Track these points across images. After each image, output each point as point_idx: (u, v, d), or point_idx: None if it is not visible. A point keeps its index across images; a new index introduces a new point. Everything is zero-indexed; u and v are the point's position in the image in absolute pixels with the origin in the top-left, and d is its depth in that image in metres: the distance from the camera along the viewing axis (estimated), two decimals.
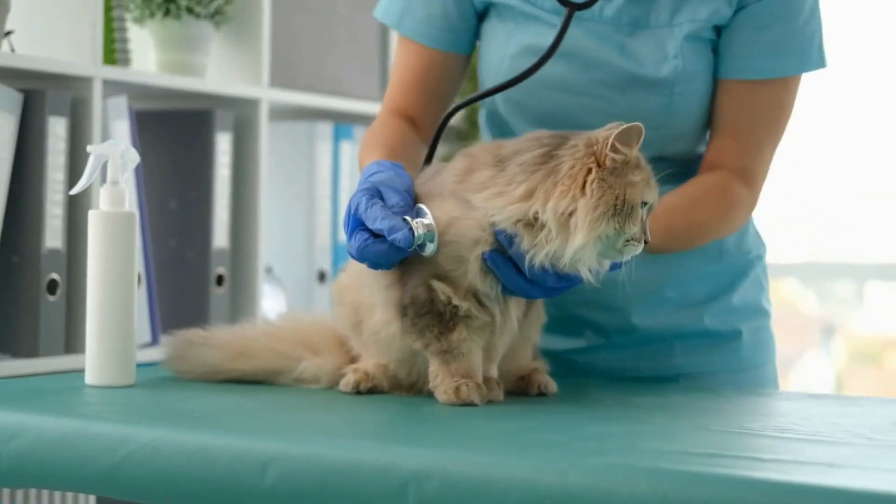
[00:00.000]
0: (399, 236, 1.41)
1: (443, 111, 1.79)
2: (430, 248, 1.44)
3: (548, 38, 1.67)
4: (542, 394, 1.58)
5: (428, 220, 1.44)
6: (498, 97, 1.74)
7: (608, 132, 1.41)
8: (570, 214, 1.40)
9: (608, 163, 1.40)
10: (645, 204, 1.43)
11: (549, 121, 1.66)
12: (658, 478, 1.09)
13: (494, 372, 1.53)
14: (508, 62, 1.72)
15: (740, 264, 1.80)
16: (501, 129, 1.77)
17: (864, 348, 4.48)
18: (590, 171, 1.40)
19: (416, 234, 1.43)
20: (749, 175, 1.72)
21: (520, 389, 1.59)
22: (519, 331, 1.54)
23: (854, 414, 1.49)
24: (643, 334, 1.77)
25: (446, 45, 1.77)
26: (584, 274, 1.43)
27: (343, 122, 2.99)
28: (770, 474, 1.11)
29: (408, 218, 1.43)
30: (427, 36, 1.77)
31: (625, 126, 1.40)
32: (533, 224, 1.41)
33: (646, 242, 1.44)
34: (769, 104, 1.71)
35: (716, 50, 1.71)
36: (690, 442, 1.28)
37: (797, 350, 4.35)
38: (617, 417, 1.45)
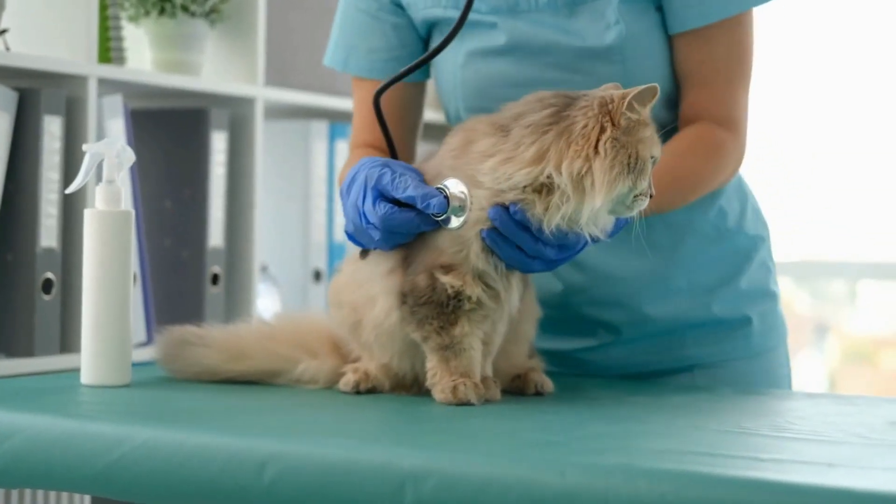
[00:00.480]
0: (434, 202, 1.43)
1: (410, 139, 1.81)
2: (456, 222, 1.44)
3: (492, 39, 1.70)
4: (538, 393, 1.58)
5: (461, 192, 1.44)
6: (460, 107, 1.75)
7: (624, 92, 1.42)
8: (584, 175, 1.40)
9: (623, 122, 1.41)
10: (652, 158, 1.44)
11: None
12: (657, 478, 1.09)
13: (490, 370, 1.53)
14: (461, 72, 1.74)
15: (744, 245, 1.80)
16: None
17: (858, 348, 4.49)
18: (603, 130, 1.41)
19: (451, 203, 1.43)
20: (729, 121, 1.71)
21: (516, 389, 1.59)
22: (514, 321, 1.53)
23: (850, 413, 1.49)
24: (654, 327, 1.76)
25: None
26: (594, 232, 1.44)
27: (338, 121, 2.98)
28: (769, 474, 1.11)
29: (442, 186, 1.44)
30: (373, 70, 1.79)
31: (642, 87, 1.41)
32: (541, 190, 1.42)
33: (651, 196, 1.45)
34: (727, 46, 1.70)
35: (660, 8, 1.70)
36: (688, 441, 1.28)
37: (790, 349, 4.34)
38: (614, 417, 1.45)
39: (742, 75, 1.72)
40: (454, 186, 1.44)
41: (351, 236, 1.51)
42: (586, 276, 1.74)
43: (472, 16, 1.70)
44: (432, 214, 1.44)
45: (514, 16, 1.70)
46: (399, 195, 1.45)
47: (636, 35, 1.68)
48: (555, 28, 1.69)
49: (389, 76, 1.64)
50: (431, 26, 1.77)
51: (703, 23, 1.68)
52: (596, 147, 1.40)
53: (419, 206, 1.43)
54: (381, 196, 1.46)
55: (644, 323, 1.76)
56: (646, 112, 1.43)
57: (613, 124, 1.41)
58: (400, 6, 1.78)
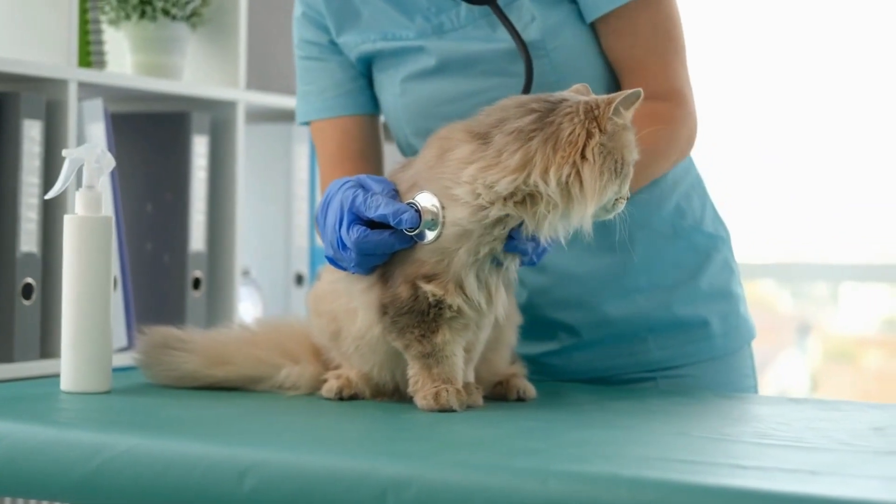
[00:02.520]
0: (406, 217, 1.42)
1: (376, 173, 1.81)
2: (430, 236, 1.44)
3: (423, 62, 1.73)
4: (520, 399, 1.57)
5: (433, 206, 1.43)
6: (407, 132, 1.77)
7: (609, 97, 1.42)
8: (572, 181, 1.40)
9: (609, 127, 1.41)
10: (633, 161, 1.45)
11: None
12: (640, 487, 1.09)
13: (472, 376, 1.53)
14: (400, 100, 1.76)
15: (702, 244, 1.80)
16: None
17: (840, 347, 4.50)
18: (590, 136, 1.40)
19: (423, 217, 1.43)
20: (671, 94, 1.71)
21: (498, 395, 1.58)
22: (495, 331, 1.53)
23: (834, 419, 1.49)
24: (615, 328, 1.76)
25: (347, 109, 1.81)
26: (566, 237, 1.45)
27: None
28: (752, 482, 1.11)
29: (414, 201, 1.44)
30: (327, 108, 1.82)
31: (627, 91, 1.41)
32: (523, 200, 1.41)
33: (626, 199, 1.46)
34: (652, 23, 1.70)
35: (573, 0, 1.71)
36: (671, 448, 1.28)
37: (773, 349, 4.36)
38: (597, 423, 1.44)
39: (674, 49, 1.72)
40: (426, 200, 1.44)
41: (331, 260, 1.51)
42: (547, 277, 1.74)
43: (400, 43, 1.74)
44: (406, 230, 1.43)
45: (441, 36, 1.73)
46: (372, 215, 1.44)
47: (554, 27, 1.69)
48: (479, 40, 1.71)
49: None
50: (368, 62, 1.80)
51: (614, 5, 1.68)
52: (583, 153, 1.40)
53: (392, 222, 1.43)
54: (357, 218, 1.46)
55: (604, 324, 1.76)
56: (629, 116, 1.43)
57: (601, 130, 1.41)
58: (338, 45, 1.81)
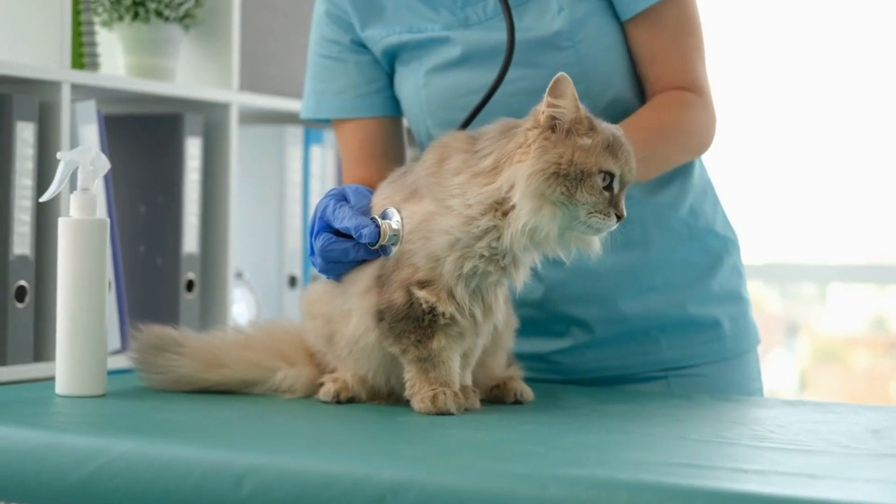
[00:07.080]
0: (365, 232, 1.46)
1: None
2: (393, 251, 1.47)
3: (448, 53, 1.74)
4: (518, 402, 1.57)
5: (396, 223, 1.46)
6: (429, 124, 1.78)
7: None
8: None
9: (543, 120, 1.42)
10: (610, 176, 1.43)
11: (482, 124, 1.69)
12: (638, 490, 1.08)
13: (469, 379, 1.53)
14: (424, 91, 1.77)
15: (714, 246, 1.82)
16: None
17: (828, 347, 4.51)
18: (533, 128, 1.43)
19: (381, 233, 1.46)
20: (691, 86, 1.75)
21: (496, 398, 1.58)
22: (492, 336, 1.53)
23: (830, 421, 1.49)
24: (629, 326, 1.77)
25: (366, 111, 1.82)
26: (557, 252, 1.46)
27: (314, 126, 2.97)
28: (751, 486, 1.11)
29: (377, 217, 1.47)
30: (344, 109, 1.83)
31: (553, 78, 1.43)
32: (507, 212, 1.43)
33: (619, 217, 1.43)
34: (677, 20, 1.75)
35: None
36: (669, 452, 1.27)
37: (761, 349, 4.36)
38: (594, 426, 1.44)
39: (695, 46, 1.76)
40: (390, 217, 1.47)
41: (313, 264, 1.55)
42: (565, 272, 1.75)
43: (426, 35, 1.76)
44: (368, 245, 1.47)
45: (466, 28, 1.74)
46: (337, 225, 1.49)
47: (581, 19, 1.71)
48: (505, 31, 1.70)
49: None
50: (392, 56, 1.80)
51: (648, 2, 1.72)
52: (527, 143, 1.43)
53: (353, 235, 1.47)
54: (327, 226, 1.51)
55: (619, 321, 1.77)
56: (570, 105, 1.43)
57: (540, 122, 1.43)
58: (361, 44, 1.81)
